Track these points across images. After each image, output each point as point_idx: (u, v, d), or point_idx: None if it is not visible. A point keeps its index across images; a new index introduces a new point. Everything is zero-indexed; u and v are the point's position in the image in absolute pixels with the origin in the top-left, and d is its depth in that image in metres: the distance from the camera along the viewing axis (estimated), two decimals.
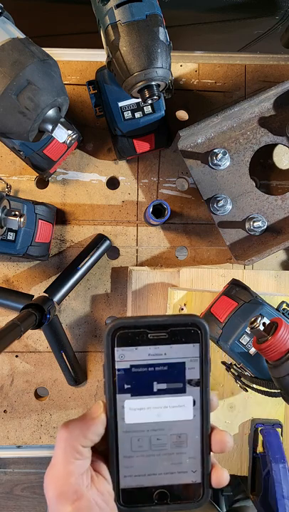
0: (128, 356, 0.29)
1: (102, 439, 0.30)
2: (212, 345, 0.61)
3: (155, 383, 0.29)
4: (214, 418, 0.62)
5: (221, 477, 0.30)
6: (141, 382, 0.29)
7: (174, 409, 0.30)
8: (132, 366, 0.29)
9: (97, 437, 0.30)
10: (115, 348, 0.29)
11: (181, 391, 0.30)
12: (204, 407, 0.30)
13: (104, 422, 0.30)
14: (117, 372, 0.29)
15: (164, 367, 0.29)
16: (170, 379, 0.29)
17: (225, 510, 0.87)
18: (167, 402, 0.30)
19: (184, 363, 0.29)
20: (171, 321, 0.29)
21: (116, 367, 0.29)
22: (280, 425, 0.61)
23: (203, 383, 0.30)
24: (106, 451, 0.30)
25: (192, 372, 0.30)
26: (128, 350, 0.29)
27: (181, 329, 0.29)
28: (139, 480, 0.30)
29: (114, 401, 0.29)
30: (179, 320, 0.29)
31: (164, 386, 0.30)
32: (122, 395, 0.29)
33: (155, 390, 0.30)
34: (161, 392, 0.30)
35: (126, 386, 0.29)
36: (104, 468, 0.30)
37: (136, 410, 0.30)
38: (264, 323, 0.41)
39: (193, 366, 0.30)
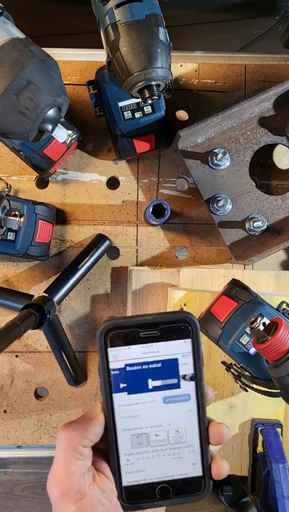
0: (122, 356, 0.30)
1: (103, 438, 0.30)
2: (212, 345, 0.61)
3: (150, 380, 0.30)
4: (214, 418, 0.62)
5: (220, 468, 0.31)
6: (136, 380, 0.30)
7: (171, 404, 0.30)
8: (126, 365, 0.30)
9: (96, 437, 0.30)
10: (108, 349, 0.30)
11: (176, 386, 0.30)
12: (200, 401, 0.30)
13: (103, 422, 0.30)
14: (112, 372, 0.30)
15: (158, 364, 0.30)
16: (164, 375, 0.30)
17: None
18: (163, 398, 0.30)
19: (176, 359, 0.30)
20: (162, 319, 0.30)
21: (110, 367, 0.30)
22: (280, 425, 0.61)
23: (197, 377, 0.30)
24: (107, 450, 0.31)
25: (185, 368, 0.30)
26: (121, 350, 0.30)
27: (171, 326, 0.30)
28: (140, 476, 0.30)
29: (111, 400, 0.30)
30: (169, 317, 0.30)
31: (158, 383, 0.30)
32: (119, 394, 0.30)
33: (150, 387, 0.30)
34: (156, 389, 0.30)
35: (122, 385, 0.30)
36: (105, 467, 0.31)
37: (133, 408, 0.30)
38: (264, 323, 0.41)
39: (186, 362, 0.30)
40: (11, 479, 1.44)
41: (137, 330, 0.29)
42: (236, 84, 0.69)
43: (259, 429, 0.61)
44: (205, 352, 0.62)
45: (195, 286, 0.64)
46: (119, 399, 0.30)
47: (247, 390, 0.53)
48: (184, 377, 0.30)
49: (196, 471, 0.31)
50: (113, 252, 0.69)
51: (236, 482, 0.93)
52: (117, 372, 0.30)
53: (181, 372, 0.30)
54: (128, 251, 0.69)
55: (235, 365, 0.54)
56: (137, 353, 0.30)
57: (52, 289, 0.62)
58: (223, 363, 0.56)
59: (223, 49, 0.70)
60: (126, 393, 0.30)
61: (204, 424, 0.31)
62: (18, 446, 0.68)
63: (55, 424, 0.67)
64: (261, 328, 0.41)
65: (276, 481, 0.54)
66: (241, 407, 0.62)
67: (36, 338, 0.67)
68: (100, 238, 0.66)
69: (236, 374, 0.54)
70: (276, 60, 0.69)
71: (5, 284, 0.67)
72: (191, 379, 0.30)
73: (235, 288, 0.55)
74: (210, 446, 0.31)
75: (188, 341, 0.30)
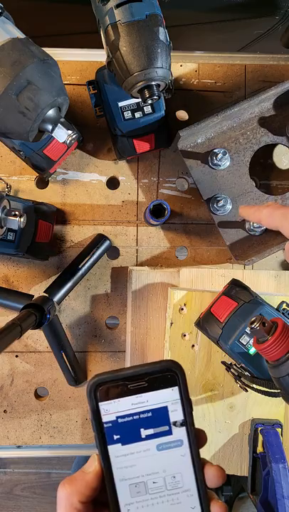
0: (113, 409, 0.30)
1: (103, 490, 0.31)
2: (212, 345, 0.61)
3: (142, 430, 0.31)
4: (214, 418, 0.62)
5: (220, 509, 0.31)
6: (129, 430, 0.31)
7: (164, 451, 0.31)
8: (117, 417, 0.30)
9: (94, 492, 0.30)
10: (99, 403, 0.30)
11: (168, 433, 0.31)
12: (192, 445, 0.31)
13: (99, 475, 0.30)
14: (104, 425, 0.30)
15: (148, 413, 0.31)
16: (156, 424, 0.31)
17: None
18: (156, 446, 0.31)
19: (166, 406, 0.31)
20: (148, 370, 0.31)
21: (103, 420, 0.30)
22: (280, 425, 0.61)
23: (187, 423, 0.31)
24: (107, 502, 0.31)
25: (175, 414, 0.31)
26: (112, 403, 0.30)
27: (158, 376, 0.31)
28: None
29: (106, 452, 0.30)
30: (155, 367, 0.31)
31: (151, 431, 0.31)
32: (113, 446, 0.30)
33: (143, 436, 0.31)
34: (149, 437, 0.31)
35: (115, 437, 0.30)
36: None
37: (128, 458, 0.31)
38: (264, 323, 0.41)
39: (175, 408, 0.31)
40: (11, 479, 1.44)
41: (125, 383, 0.30)
42: (236, 84, 0.69)
43: (259, 429, 0.61)
44: (205, 352, 0.62)
45: (195, 286, 0.64)
46: (115, 450, 0.30)
47: (247, 390, 0.53)
48: (174, 423, 0.31)
49: None
50: (113, 252, 0.69)
51: (236, 482, 0.93)
52: (110, 424, 0.30)
53: (172, 419, 0.31)
54: (128, 251, 0.69)
55: (235, 365, 0.54)
56: (127, 404, 0.30)
57: (52, 289, 0.62)
58: (223, 363, 0.56)
59: (223, 49, 0.70)
60: (120, 444, 0.30)
61: (199, 467, 0.31)
62: (18, 446, 0.68)
63: (55, 424, 0.67)
64: (261, 328, 0.41)
65: (276, 481, 0.54)
66: (241, 407, 0.62)
67: (36, 338, 0.67)
68: (100, 238, 0.66)
69: (236, 374, 0.54)
70: (276, 60, 0.69)
71: (5, 284, 0.67)
72: (182, 425, 0.31)
73: (235, 288, 0.55)
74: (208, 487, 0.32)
75: (176, 389, 0.31)
